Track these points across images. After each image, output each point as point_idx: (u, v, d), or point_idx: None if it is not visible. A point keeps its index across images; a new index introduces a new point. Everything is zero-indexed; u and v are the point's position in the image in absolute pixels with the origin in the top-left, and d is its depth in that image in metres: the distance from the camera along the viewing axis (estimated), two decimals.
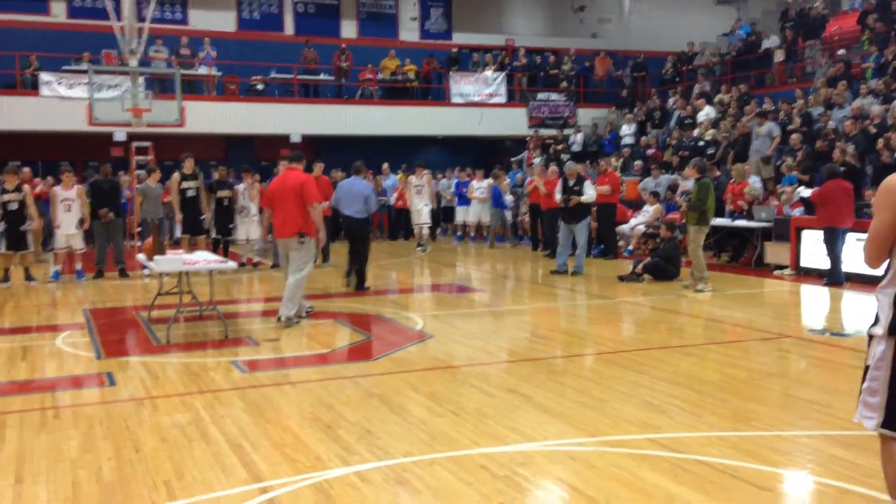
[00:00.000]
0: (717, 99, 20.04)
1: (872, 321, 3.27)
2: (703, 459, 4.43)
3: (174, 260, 8.17)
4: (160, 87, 19.99)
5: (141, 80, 18.69)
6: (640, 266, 11.79)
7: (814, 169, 14.10)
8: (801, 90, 17.50)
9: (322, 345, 7.89)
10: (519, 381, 6.29)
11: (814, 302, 10.67)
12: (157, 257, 8.29)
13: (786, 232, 12.57)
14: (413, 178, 17.07)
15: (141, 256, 8.87)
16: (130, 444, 4.92)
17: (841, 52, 19.00)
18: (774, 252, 12.82)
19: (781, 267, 12.53)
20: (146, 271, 12.66)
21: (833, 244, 11.05)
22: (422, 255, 15.92)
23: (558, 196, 12.86)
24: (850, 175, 11.69)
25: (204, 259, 8.52)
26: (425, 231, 17.21)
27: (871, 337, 3.27)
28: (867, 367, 3.26)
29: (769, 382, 6.14)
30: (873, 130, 14.15)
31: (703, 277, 10.82)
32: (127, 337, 8.55)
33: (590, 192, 12.72)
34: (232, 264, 8.56)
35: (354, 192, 11.03)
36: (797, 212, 12.96)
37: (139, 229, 14.30)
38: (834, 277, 11.07)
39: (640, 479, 4.18)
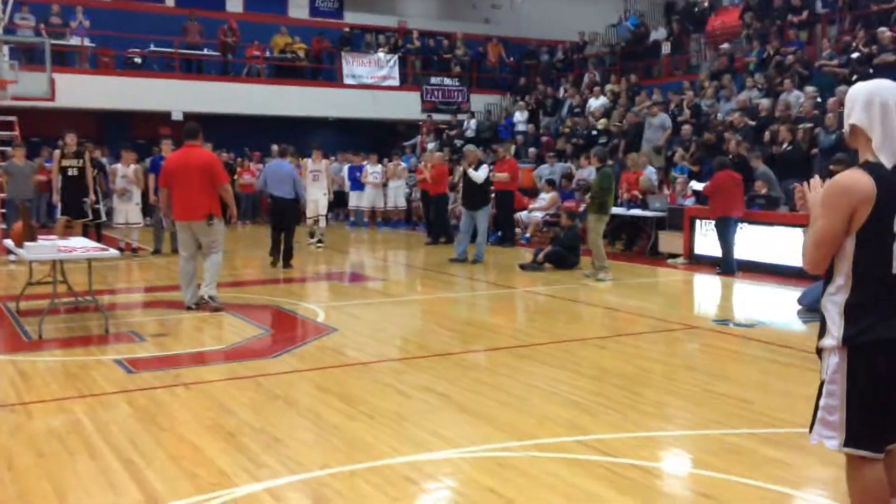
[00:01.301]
0: (608, 89, 20.28)
1: (819, 333, 3.04)
2: (637, 463, 4.23)
3: (47, 247, 7.38)
4: (27, 57, 18.47)
5: (5, 49, 17.21)
6: (541, 255, 11.69)
7: (703, 160, 14.42)
8: (689, 82, 17.89)
9: (215, 340, 7.33)
10: (433, 378, 5.95)
11: (711, 291, 10.84)
12: (27, 244, 7.47)
13: (679, 221, 12.78)
14: (309, 163, 14.90)
15: (8, 242, 8.00)
16: (2, 460, 4.29)
17: (724, 45, 19.55)
18: (668, 241, 13.01)
19: (675, 255, 12.73)
20: (12, 257, 11.58)
21: (725, 233, 11.26)
22: (316, 251, 14.22)
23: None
24: (740, 166, 11.93)
25: (81, 246, 7.74)
26: (322, 223, 14.71)
27: (820, 350, 3.06)
28: (822, 383, 3.05)
29: (685, 376, 6.05)
30: (752, 122, 14.55)
31: (604, 266, 10.81)
32: None
33: (480, 173, 12.46)
34: (114, 252, 7.83)
35: (282, 174, 11.77)
36: (689, 202, 13.19)
37: (2, 211, 13.10)
38: (726, 266, 11.29)
39: (577, 488, 3.93)
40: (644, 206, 13.59)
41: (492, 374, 6.12)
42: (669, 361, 6.60)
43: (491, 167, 13.80)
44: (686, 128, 15.35)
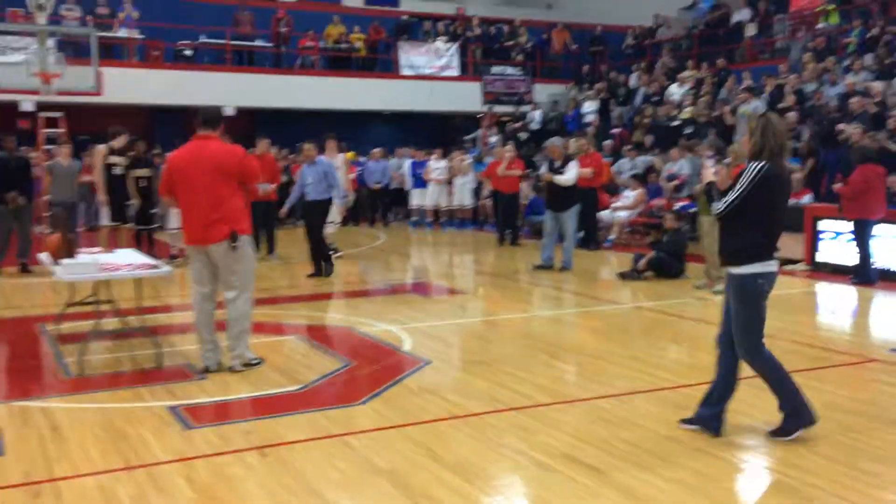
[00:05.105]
0: (689, 75, 18.68)
1: None
2: None
3: (87, 265, 6.21)
4: (74, 50, 17.55)
5: (51, 41, 16.30)
6: (642, 262, 10.24)
7: (816, 152, 12.84)
8: (787, 66, 16.24)
9: (288, 377, 6.02)
10: (574, 440, 4.60)
11: (861, 306, 9.18)
12: (64, 261, 6.30)
13: (797, 222, 11.20)
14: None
15: (43, 257, 6.85)
16: None
17: (820, 25, 17.84)
18: (784, 245, 11.40)
19: (793, 261, 11.18)
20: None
21: (864, 238, 9.72)
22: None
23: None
24: (880, 158, 10.31)
25: (127, 263, 6.55)
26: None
27: None
28: None
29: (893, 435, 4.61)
30: (873, 108, 12.93)
31: (721, 276, 9.32)
32: (26, 365, 6.54)
33: (569, 174, 11.02)
34: (165, 269, 6.57)
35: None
36: (806, 199, 11.62)
37: (49, 213, 12.07)
38: (864, 275, 9.75)
39: None
40: None
41: (650, 436, 4.71)
42: (869, 413, 5.12)
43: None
44: (791, 115, 13.72)
